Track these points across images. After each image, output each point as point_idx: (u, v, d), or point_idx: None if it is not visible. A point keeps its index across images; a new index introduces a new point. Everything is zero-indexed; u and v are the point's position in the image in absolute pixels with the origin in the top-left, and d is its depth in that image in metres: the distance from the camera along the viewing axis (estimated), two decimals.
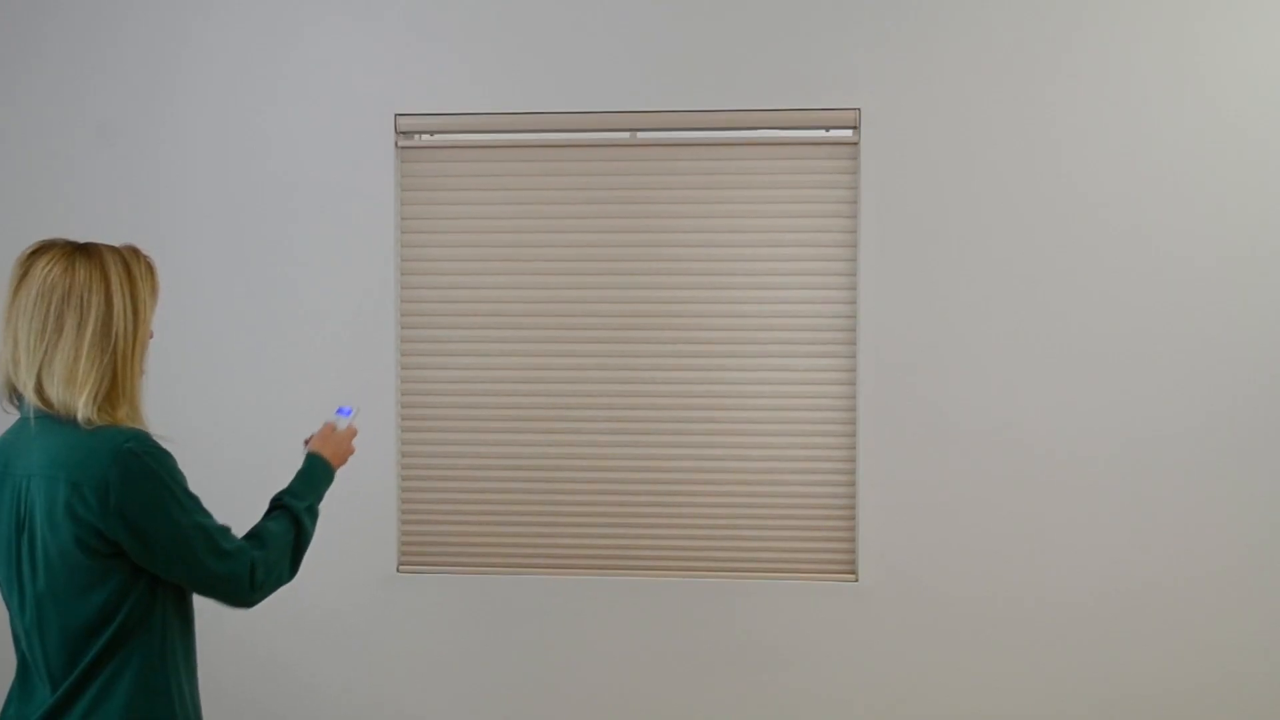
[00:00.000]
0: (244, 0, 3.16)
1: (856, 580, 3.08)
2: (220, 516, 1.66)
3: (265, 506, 1.84)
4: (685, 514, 3.14)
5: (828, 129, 3.09)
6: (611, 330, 3.13)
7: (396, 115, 3.13)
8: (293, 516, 1.78)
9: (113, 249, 1.64)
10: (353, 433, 2.03)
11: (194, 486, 1.63)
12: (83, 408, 1.53)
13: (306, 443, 2.00)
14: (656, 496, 3.14)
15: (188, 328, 3.16)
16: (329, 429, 2.01)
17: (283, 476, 1.91)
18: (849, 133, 3.06)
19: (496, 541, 3.19)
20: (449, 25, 3.12)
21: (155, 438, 1.58)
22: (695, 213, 3.10)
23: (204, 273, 3.18)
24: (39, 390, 1.55)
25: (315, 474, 1.90)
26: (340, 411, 2.07)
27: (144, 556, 1.55)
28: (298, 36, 3.15)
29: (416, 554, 3.22)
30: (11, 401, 1.61)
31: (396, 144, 3.14)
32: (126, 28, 3.19)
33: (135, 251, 1.67)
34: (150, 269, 1.68)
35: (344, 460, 1.99)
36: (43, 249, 1.60)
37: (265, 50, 3.16)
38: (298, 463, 1.94)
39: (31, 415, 1.57)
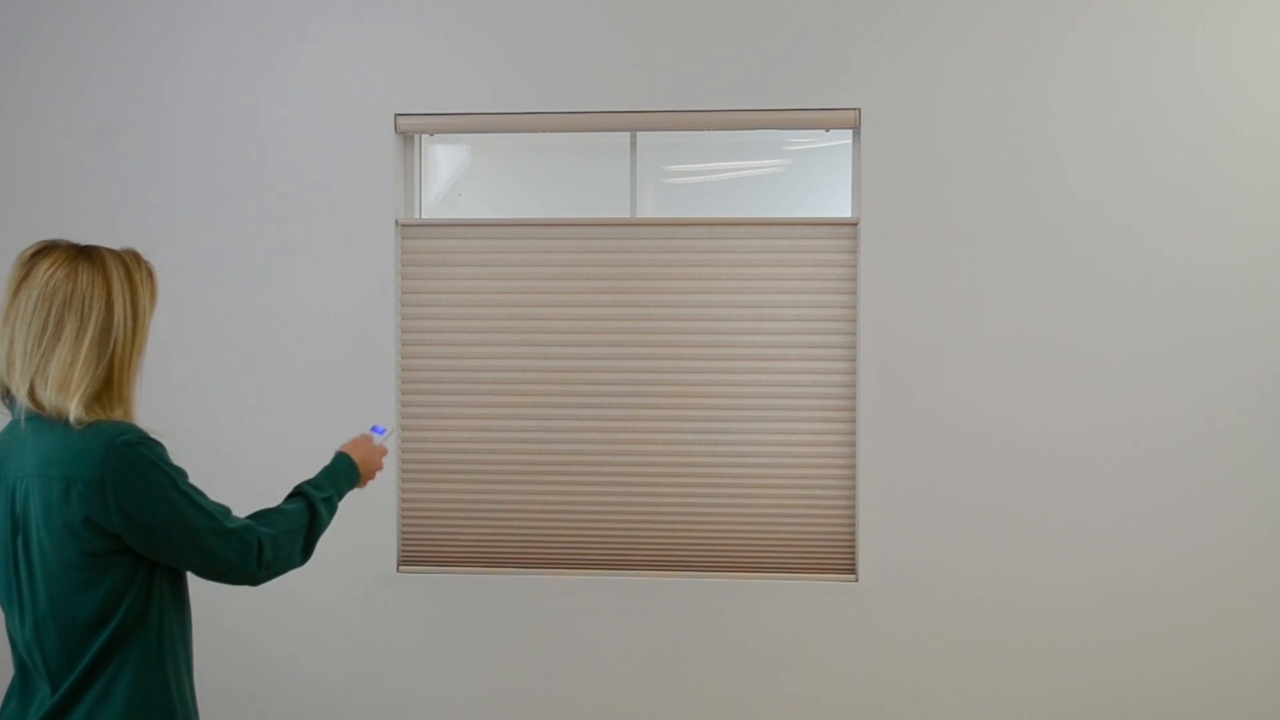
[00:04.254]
0: (244, 0, 3.17)
1: (856, 580, 3.08)
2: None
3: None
4: (686, 514, 3.14)
5: (828, 129, 3.10)
6: (621, 335, 3.14)
7: (396, 115, 3.13)
8: (309, 503, 1.79)
9: (115, 253, 1.63)
10: (384, 451, 2.06)
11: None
12: (73, 410, 1.52)
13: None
14: (657, 497, 3.14)
15: (184, 328, 3.16)
16: (364, 439, 2.03)
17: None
18: (848, 139, 3.06)
19: (496, 541, 3.19)
20: (448, 25, 3.12)
21: (147, 430, 1.58)
22: (688, 250, 3.10)
23: (202, 272, 3.18)
24: (31, 394, 1.54)
25: (339, 471, 1.92)
26: (375, 430, 2.09)
27: (147, 546, 1.54)
28: (298, 36, 3.15)
29: (416, 553, 3.22)
30: (3, 400, 1.61)
31: (397, 221, 3.14)
32: (126, 28, 3.19)
33: (136, 257, 1.66)
34: (150, 274, 1.67)
35: (371, 472, 2.00)
36: (45, 250, 1.59)
37: (265, 50, 3.16)
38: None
39: (22, 417, 1.57)
